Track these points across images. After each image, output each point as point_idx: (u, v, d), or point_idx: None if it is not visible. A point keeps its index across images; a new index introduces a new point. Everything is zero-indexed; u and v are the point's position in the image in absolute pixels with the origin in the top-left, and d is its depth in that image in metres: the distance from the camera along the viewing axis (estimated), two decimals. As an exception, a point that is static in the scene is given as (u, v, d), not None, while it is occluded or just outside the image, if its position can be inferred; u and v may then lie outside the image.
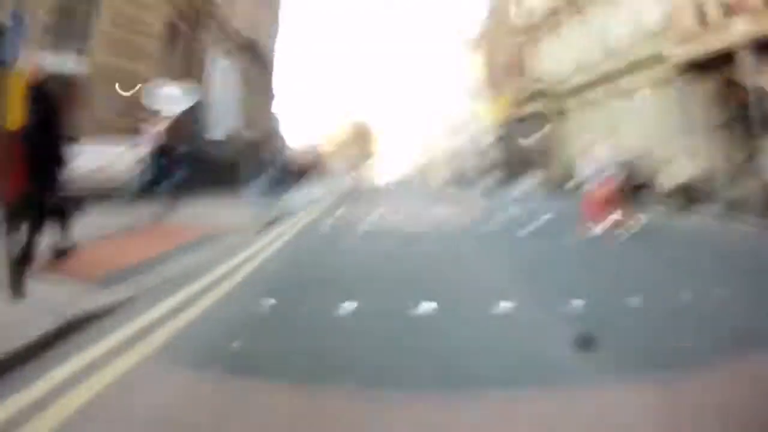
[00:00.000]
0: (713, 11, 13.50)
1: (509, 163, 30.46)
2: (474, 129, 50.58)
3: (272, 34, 32.39)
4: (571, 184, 16.68)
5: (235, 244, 7.00)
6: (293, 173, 18.59)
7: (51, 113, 4.55)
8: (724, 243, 8.12)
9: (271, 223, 9.54)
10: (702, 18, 13.95)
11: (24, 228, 4.13)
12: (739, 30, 11.66)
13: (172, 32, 16.12)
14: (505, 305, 3.96)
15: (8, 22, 3.76)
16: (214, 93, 18.12)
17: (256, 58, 26.03)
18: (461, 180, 40.90)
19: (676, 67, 14.94)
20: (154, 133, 9.89)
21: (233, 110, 19.91)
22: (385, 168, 70.28)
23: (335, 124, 77.04)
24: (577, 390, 2.53)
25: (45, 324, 3.18)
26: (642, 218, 8.65)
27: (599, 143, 9.78)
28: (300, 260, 6.47)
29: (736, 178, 12.41)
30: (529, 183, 24.48)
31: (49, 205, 4.64)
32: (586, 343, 2.95)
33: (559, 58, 23.72)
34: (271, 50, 31.72)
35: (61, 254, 4.99)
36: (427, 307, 3.90)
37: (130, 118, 12.64)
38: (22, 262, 3.87)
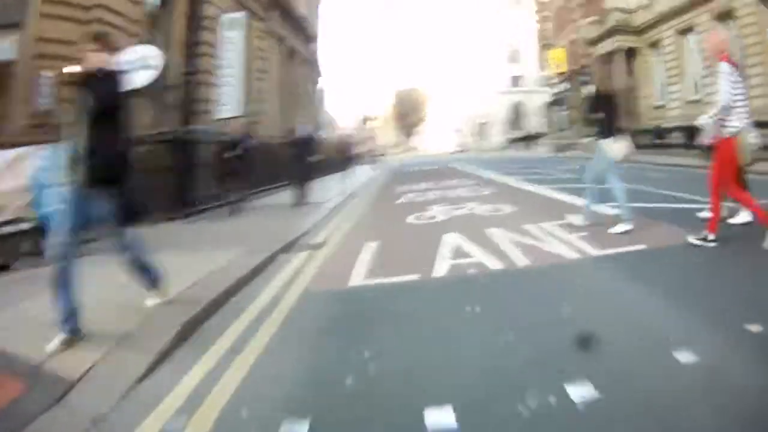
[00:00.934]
0: None
1: (585, 118, 27.31)
2: (534, 83, 46.69)
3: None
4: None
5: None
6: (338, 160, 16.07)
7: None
8: None
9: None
10: None
11: None
12: None
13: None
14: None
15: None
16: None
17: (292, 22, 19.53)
18: (525, 143, 37.83)
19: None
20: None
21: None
22: (437, 138, 67.60)
23: (384, 96, 75.14)
24: None
25: None
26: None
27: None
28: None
29: None
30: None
31: None
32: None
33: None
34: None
35: None
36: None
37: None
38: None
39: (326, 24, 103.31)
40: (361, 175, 16.47)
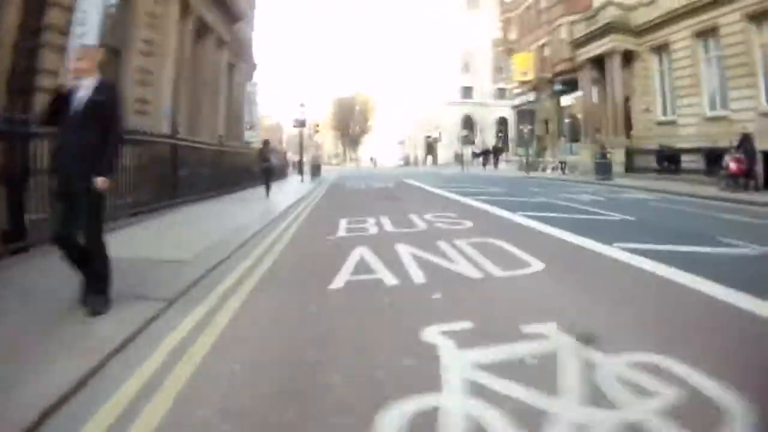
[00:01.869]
0: None
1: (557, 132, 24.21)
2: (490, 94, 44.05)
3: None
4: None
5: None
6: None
7: None
8: None
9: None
10: None
11: None
12: None
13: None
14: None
15: None
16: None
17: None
18: (484, 158, 34.42)
19: None
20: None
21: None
22: (382, 150, 63.68)
23: (327, 103, 69.70)
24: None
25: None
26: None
27: None
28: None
29: None
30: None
31: None
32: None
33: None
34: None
35: None
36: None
37: None
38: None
39: (262, 13, 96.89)
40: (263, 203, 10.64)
